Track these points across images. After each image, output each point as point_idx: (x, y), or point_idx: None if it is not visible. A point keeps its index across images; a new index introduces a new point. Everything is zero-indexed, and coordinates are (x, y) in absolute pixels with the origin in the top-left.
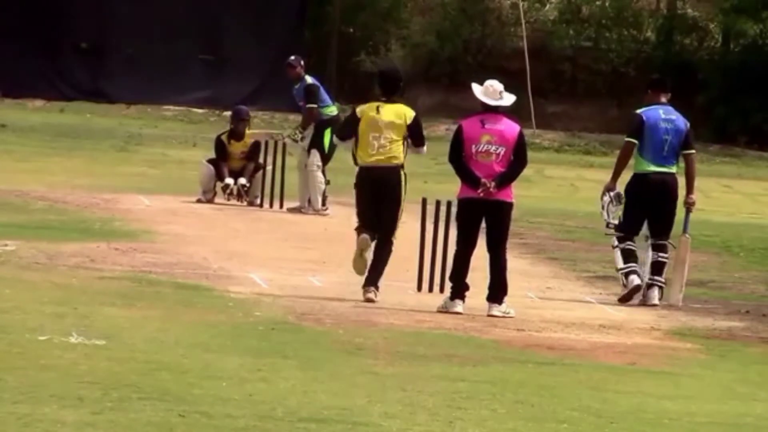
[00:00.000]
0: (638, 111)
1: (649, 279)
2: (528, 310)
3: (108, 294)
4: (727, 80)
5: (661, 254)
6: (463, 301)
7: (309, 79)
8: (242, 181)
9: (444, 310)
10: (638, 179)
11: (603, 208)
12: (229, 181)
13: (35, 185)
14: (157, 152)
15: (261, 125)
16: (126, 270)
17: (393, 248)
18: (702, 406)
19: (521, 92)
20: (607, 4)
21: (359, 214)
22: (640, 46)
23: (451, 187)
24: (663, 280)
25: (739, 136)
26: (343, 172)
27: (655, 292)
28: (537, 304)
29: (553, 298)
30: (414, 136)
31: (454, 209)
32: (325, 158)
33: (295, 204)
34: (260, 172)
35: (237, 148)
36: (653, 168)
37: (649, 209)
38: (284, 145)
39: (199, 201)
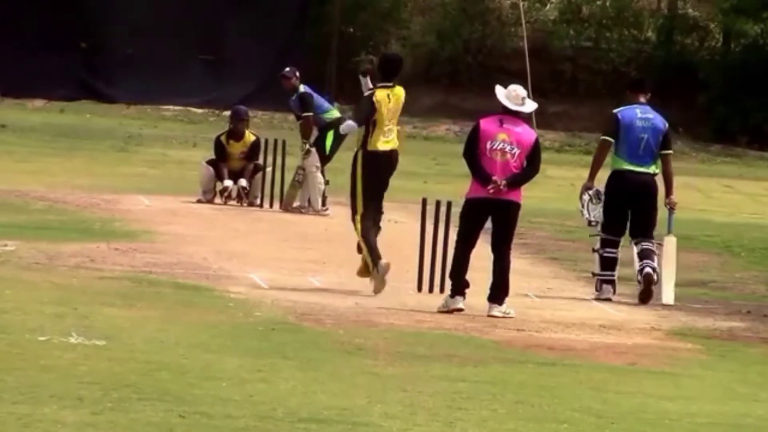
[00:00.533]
0: (615, 110)
1: (641, 264)
2: (528, 311)
3: (108, 294)
4: (728, 80)
5: (644, 242)
6: (464, 298)
7: (302, 89)
8: (242, 183)
9: (444, 309)
10: (615, 177)
11: (583, 206)
12: (228, 183)
13: (35, 185)
14: (157, 152)
15: (261, 125)
16: (126, 270)
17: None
18: (703, 407)
19: None
20: (607, 3)
21: (368, 200)
22: (640, 46)
23: (451, 188)
24: (656, 265)
25: (740, 136)
26: (343, 172)
27: (649, 272)
28: (537, 304)
29: (554, 298)
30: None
31: (454, 209)
32: (325, 159)
33: (295, 203)
34: (260, 173)
35: (236, 149)
36: (630, 167)
37: (627, 208)
38: (284, 144)
39: (199, 201)
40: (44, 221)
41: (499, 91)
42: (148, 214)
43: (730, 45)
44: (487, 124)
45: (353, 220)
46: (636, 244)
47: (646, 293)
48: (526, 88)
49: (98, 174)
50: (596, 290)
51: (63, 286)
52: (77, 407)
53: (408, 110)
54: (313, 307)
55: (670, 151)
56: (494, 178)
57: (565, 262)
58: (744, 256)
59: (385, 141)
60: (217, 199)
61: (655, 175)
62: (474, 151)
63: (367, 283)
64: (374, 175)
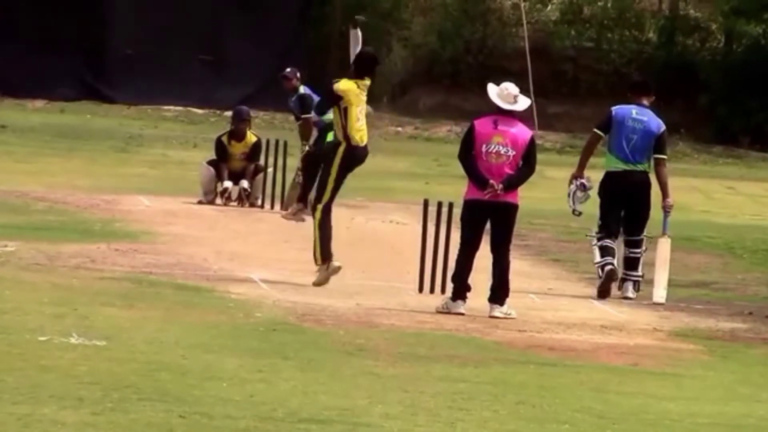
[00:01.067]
0: (613, 107)
1: (623, 274)
2: (529, 311)
3: (108, 295)
4: (729, 81)
5: (632, 250)
6: (465, 302)
7: (302, 89)
8: (244, 184)
9: (445, 310)
10: (607, 178)
11: (569, 195)
12: (228, 184)
13: (35, 186)
14: (158, 153)
15: (262, 126)
16: (126, 271)
17: None
18: (704, 407)
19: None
20: (609, 4)
21: (335, 192)
22: (642, 47)
23: (452, 189)
24: (638, 274)
25: (742, 137)
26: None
27: (629, 285)
28: (538, 305)
29: (555, 299)
30: None
31: (455, 210)
32: None
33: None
34: (261, 174)
35: (237, 149)
36: (621, 166)
37: (621, 206)
38: (285, 145)
39: (200, 202)
40: (44, 222)
41: (491, 90)
42: (148, 215)
43: (731, 46)
44: (481, 125)
45: (314, 207)
46: (625, 243)
47: (603, 290)
48: (527, 88)
49: (98, 174)
50: (598, 277)
51: (63, 286)
52: (77, 407)
53: (409, 111)
54: (313, 308)
55: (663, 156)
56: (491, 182)
57: (566, 263)
58: (746, 258)
59: (360, 134)
60: (218, 200)
61: (646, 172)
62: (469, 154)
63: (367, 284)
64: (349, 169)
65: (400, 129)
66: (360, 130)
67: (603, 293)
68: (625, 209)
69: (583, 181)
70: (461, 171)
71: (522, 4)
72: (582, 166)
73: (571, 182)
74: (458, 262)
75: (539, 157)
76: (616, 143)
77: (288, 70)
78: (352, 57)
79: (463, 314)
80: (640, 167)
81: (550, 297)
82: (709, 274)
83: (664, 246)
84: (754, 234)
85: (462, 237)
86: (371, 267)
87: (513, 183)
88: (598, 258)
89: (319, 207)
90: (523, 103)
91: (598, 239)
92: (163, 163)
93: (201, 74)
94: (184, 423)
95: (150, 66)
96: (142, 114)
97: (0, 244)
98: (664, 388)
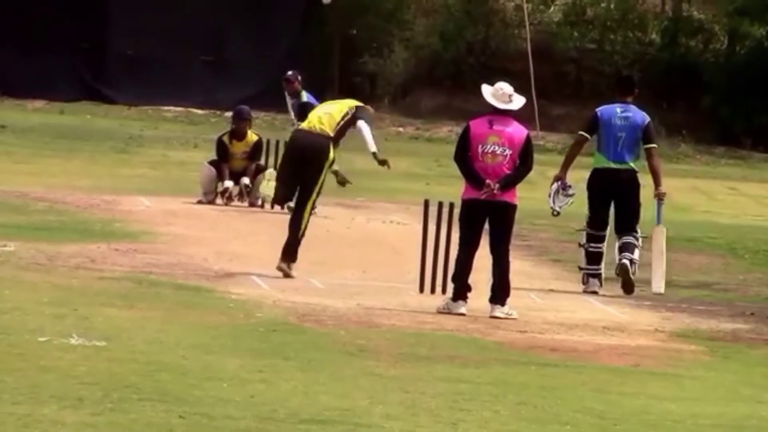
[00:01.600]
0: (597, 108)
1: (619, 257)
2: (531, 312)
3: (108, 295)
4: (732, 82)
5: (626, 236)
6: (466, 302)
7: (304, 96)
8: (245, 180)
9: (446, 311)
10: (595, 174)
11: (549, 195)
12: (228, 184)
13: (35, 186)
14: (158, 153)
15: (263, 126)
16: (126, 271)
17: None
18: (706, 408)
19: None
20: (611, 5)
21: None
22: (644, 48)
23: (452, 189)
24: (634, 257)
25: (744, 138)
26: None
27: (626, 263)
28: (540, 305)
29: (557, 300)
30: None
31: (456, 211)
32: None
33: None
34: (261, 174)
35: (239, 148)
36: (610, 164)
37: (609, 204)
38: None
39: (200, 202)
40: (44, 222)
41: (486, 90)
42: (148, 215)
43: (734, 47)
44: (477, 126)
45: (304, 207)
46: (618, 238)
47: (625, 283)
48: (529, 90)
49: (98, 175)
50: (582, 283)
51: (63, 286)
52: (77, 408)
53: (411, 112)
54: (314, 308)
55: (653, 145)
56: (487, 181)
57: (567, 263)
58: (748, 258)
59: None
60: (218, 200)
61: (635, 170)
62: (465, 155)
63: (368, 284)
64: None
65: (401, 129)
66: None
67: (626, 288)
68: (615, 206)
69: (565, 182)
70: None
71: (525, 6)
72: (565, 167)
73: (553, 183)
74: (458, 262)
75: (541, 157)
76: (605, 143)
77: (290, 73)
78: None
79: (464, 315)
80: (628, 165)
81: (551, 297)
82: (710, 274)
83: (659, 236)
84: (755, 234)
85: (461, 237)
86: (372, 267)
87: (510, 182)
88: (584, 263)
89: (309, 205)
90: (518, 102)
91: (588, 239)
92: (163, 163)
93: (202, 75)
94: (185, 423)
95: (150, 67)
96: (143, 115)
97: (0, 244)
98: (665, 389)
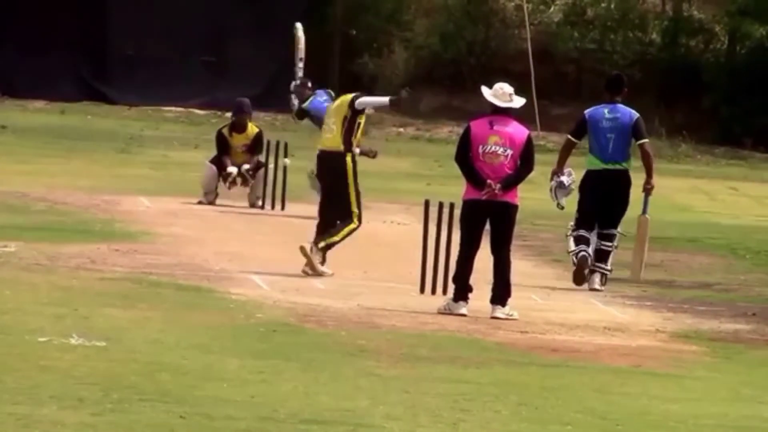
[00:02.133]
0: (585, 110)
1: (592, 266)
2: (532, 313)
3: (108, 295)
4: (733, 82)
5: (604, 243)
6: (467, 303)
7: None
8: (246, 166)
9: (447, 311)
10: (587, 175)
11: (551, 190)
12: (232, 169)
13: (36, 186)
14: (158, 154)
15: (263, 127)
16: (126, 271)
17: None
18: (707, 409)
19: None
20: (612, 6)
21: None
22: (645, 48)
23: (453, 189)
24: (607, 268)
25: (745, 138)
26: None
27: (596, 278)
28: (541, 306)
29: (557, 300)
30: None
31: (457, 211)
32: None
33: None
34: (262, 171)
35: (239, 141)
36: (601, 165)
37: (598, 202)
38: (285, 146)
39: (200, 203)
40: (45, 222)
41: (486, 90)
42: (148, 216)
43: (735, 47)
44: (477, 126)
45: (356, 219)
46: (598, 236)
47: (577, 277)
48: (529, 90)
49: (99, 175)
50: (573, 264)
51: (63, 287)
52: (77, 408)
53: (411, 112)
54: (314, 309)
55: (645, 140)
56: (488, 182)
57: (568, 263)
58: (749, 259)
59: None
60: (220, 200)
61: (627, 171)
62: (466, 155)
63: (368, 284)
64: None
65: (401, 130)
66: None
67: (577, 280)
68: (602, 204)
69: (563, 178)
70: (460, 172)
71: (525, 6)
72: (561, 163)
73: (551, 178)
74: (459, 263)
75: (542, 157)
76: (595, 145)
77: (305, 79)
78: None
79: (465, 315)
80: (620, 166)
81: (552, 298)
82: (712, 275)
83: (644, 225)
84: (757, 235)
85: (462, 238)
86: (372, 268)
87: (511, 182)
88: (572, 247)
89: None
90: (518, 101)
91: (573, 230)
92: (163, 164)
93: (202, 75)
94: (185, 424)
95: (151, 67)
96: (143, 115)
97: (0, 245)
98: (667, 390)
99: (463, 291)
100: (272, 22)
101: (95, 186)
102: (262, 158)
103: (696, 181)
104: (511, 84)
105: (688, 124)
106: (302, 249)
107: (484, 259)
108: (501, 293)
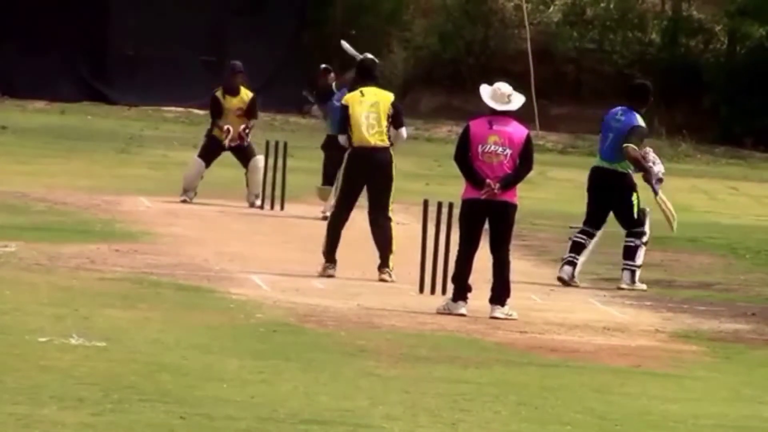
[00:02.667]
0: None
1: (622, 264)
2: (531, 312)
3: (108, 295)
4: (733, 82)
5: (627, 238)
6: (466, 303)
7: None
8: (242, 126)
9: (446, 311)
10: (590, 172)
11: (653, 183)
12: (229, 126)
13: (36, 187)
14: (158, 154)
15: (263, 127)
16: (127, 271)
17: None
18: (707, 409)
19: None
20: (611, 5)
21: (343, 195)
22: (644, 48)
23: (452, 189)
24: (634, 264)
25: (745, 138)
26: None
27: (625, 275)
28: (540, 306)
29: (557, 300)
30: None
31: (456, 211)
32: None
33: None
34: (260, 171)
35: (233, 104)
36: (598, 163)
37: (596, 200)
38: (285, 146)
39: (183, 201)
40: (45, 222)
41: (484, 91)
42: (148, 216)
43: (735, 47)
44: (477, 126)
45: (389, 216)
46: (626, 234)
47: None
48: (529, 90)
49: (99, 175)
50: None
51: (63, 287)
52: (77, 408)
53: (410, 112)
54: (314, 309)
55: (626, 144)
56: (488, 181)
57: None
58: (749, 258)
59: (361, 136)
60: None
61: (619, 171)
62: (466, 155)
63: (368, 284)
64: (352, 172)
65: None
66: (360, 131)
67: (560, 280)
68: (602, 204)
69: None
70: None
71: (524, 6)
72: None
73: (651, 180)
74: (458, 262)
75: (542, 157)
76: (601, 141)
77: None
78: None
79: (464, 315)
80: (613, 166)
81: (551, 298)
82: (712, 274)
83: (661, 203)
84: (757, 235)
85: (461, 237)
86: (372, 268)
87: (510, 182)
88: (566, 253)
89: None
90: (518, 101)
91: (579, 232)
92: (163, 164)
93: (202, 75)
94: (185, 424)
95: (151, 67)
96: (143, 115)
97: (0, 245)
98: (666, 390)
99: (462, 291)
100: (272, 23)
101: (95, 186)
102: (262, 160)
103: (696, 180)
104: (510, 83)
105: (688, 124)
106: (383, 280)
107: (483, 259)
108: (500, 293)
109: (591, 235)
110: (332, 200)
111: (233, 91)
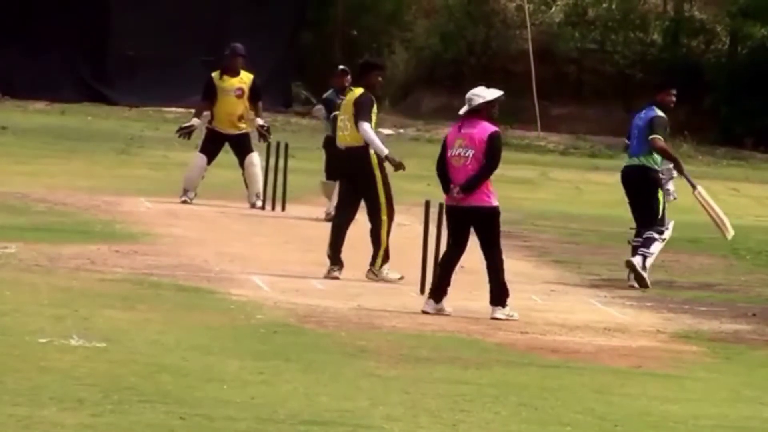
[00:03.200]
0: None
1: (639, 250)
2: (532, 313)
3: (108, 296)
4: (734, 83)
5: (647, 231)
6: (437, 303)
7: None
8: (259, 121)
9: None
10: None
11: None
12: (194, 121)
13: (36, 187)
14: (159, 154)
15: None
16: (127, 272)
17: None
18: (707, 410)
19: (526, 95)
20: (613, 6)
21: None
22: (646, 49)
23: None
24: (648, 251)
25: (746, 138)
26: None
27: (637, 259)
28: (541, 306)
29: (558, 301)
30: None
31: None
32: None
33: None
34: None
35: (231, 84)
36: (626, 161)
37: (630, 200)
38: (286, 147)
39: (184, 202)
40: (45, 223)
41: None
42: (149, 216)
43: (736, 47)
44: (450, 132)
45: (384, 213)
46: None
47: (636, 279)
48: (530, 90)
49: (99, 176)
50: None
51: (63, 288)
52: (77, 409)
53: (411, 113)
54: (314, 310)
55: (652, 136)
56: (452, 186)
57: (568, 264)
58: (749, 259)
59: (339, 135)
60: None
61: (645, 166)
62: (441, 162)
63: (368, 285)
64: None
65: (402, 131)
66: (338, 133)
67: (639, 283)
68: (632, 202)
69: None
70: None
71: (526, 6)
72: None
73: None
74: (440, 262)
75: (543, 158)
76: (630, 142)
77: (341, 67)
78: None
79: (429, 313)
80: (639, 161)
81: (552, 298)
82: (712, 275)
83: (700, 197)
84: (757, 235)
85: (447, 239)
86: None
87: (473, 183)
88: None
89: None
90: (477, 98)
91: (635, 236)
92: (164, 164)
93: (202, 75)
94: (185, 425)
95: (151, 67)
96: (143, 115)
97: (0, 246)
98: (667, 390)
99: (436, 291)
100: (272, 23)
101: (95, 187)
102: (263, 160)
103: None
104: (511, 84)
105: (689, 125)
106: (370, 278)
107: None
108: (497, 294)
109: (638, 234)
110: (335, 200)
111: (233, 71)
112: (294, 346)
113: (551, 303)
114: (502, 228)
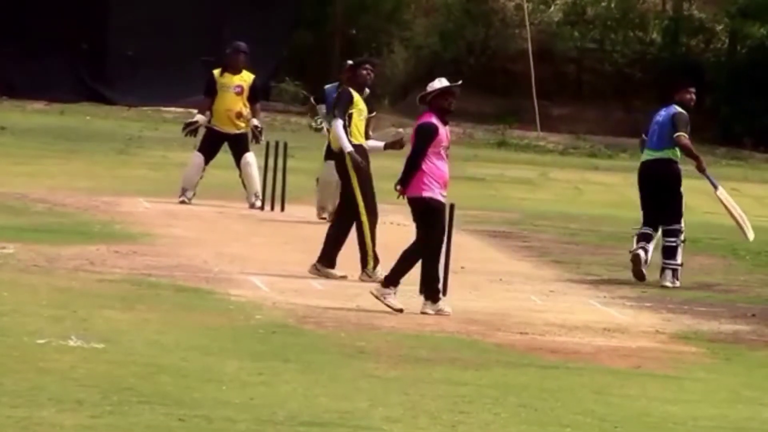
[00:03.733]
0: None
1: (663, 263)
2: (531, 314)
3: (107, 297)
4: (734, 82)
5: (667, 239)
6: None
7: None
8: (254, 122)
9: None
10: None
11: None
12: (198, 117)
13: (35, 188)
14: (158, 155)
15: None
16: (126, 273)
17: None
18: (707, 410)
19: (525, 94)
20: (612, 5)
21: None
22: (645, 48)
23: (452, 191)
24: (676, 263)
25: (746, 138)
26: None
27: (666, 274)
28: (540, 307)
29: (557, 301)
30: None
31: (457, 212)
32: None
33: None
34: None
35: (232, 81)
36: (644, 156)
37: (647, 198)
38: (285, 146)
39: (182, 203)
40: (44, 224)
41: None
42: (148, 217)
43: (735, 47)
44: None
45: (363, 213)
46: (663, 234)
47: (634, 272)
48: (530, 90)
49: (98, 176)
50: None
51: (62, 288)
52: (76, 410)
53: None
54: (314, 310)
55: (677, 134)
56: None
57: (568, 265)
58: (749, 259)
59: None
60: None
61: (666, 158)
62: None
63: (368, 286)
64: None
65: (400, 130)
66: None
67: (637, 276)
68: (651, 198)
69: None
70: (459, 173)
71: (525, 5)
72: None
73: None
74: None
75: (542, 158)
76: (647, 138)
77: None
78: None
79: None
80: (659, 153)
81: (551, 299)
82: (712, 275)
83: (722, 198)
84: (757, 236)
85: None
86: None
87: (403, 176)
88: (633, 245)
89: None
90: (429, 86)
91: (637, 229)
92: (163, 164)
93: (201, 75)
94: (184, 426)
95: (150, 67)
96: (143, 115)
97: None
98: (666, 391)
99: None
100: (272, 23)
101: (95, 187)
102: (262, 161)
103: (696, 181)
104: (511, 84)
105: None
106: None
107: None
108: (424, 287)
109: (647, 237)
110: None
111: (235, 69)
112: (293, 347)
113: (550, 303)
114: (502, 228)
